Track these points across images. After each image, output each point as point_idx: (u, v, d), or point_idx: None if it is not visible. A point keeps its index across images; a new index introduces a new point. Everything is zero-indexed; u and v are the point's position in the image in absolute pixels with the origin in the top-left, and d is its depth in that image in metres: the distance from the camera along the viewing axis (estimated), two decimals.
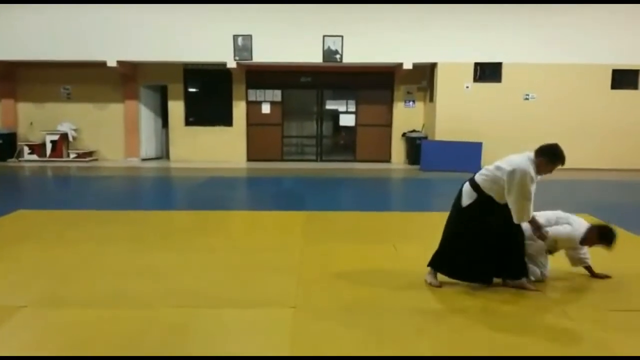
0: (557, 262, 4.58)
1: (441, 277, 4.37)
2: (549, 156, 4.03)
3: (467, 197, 4.20)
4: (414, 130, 13.99)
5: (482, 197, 4.14)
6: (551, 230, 4.29)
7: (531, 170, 3.97)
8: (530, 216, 4.05)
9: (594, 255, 4.58)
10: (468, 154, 12.33)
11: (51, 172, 12.41)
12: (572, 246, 4.43)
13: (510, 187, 3.97)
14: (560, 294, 4.27)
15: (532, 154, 4.08)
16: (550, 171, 4.10)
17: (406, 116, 14.21)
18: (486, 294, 4.19)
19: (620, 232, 6.29)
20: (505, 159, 4.14)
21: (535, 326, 3.62)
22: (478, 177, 4.21)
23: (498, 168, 4.09)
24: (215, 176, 11.44)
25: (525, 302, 4.05)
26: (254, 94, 14.25)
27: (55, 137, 13.63)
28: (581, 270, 4.66)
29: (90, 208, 7.55)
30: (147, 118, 14.35)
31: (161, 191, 10.38)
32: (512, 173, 3.95)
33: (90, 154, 13.98)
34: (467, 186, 4.24)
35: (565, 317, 3.77)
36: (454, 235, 4.28)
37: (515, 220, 4.05)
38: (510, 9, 12.56)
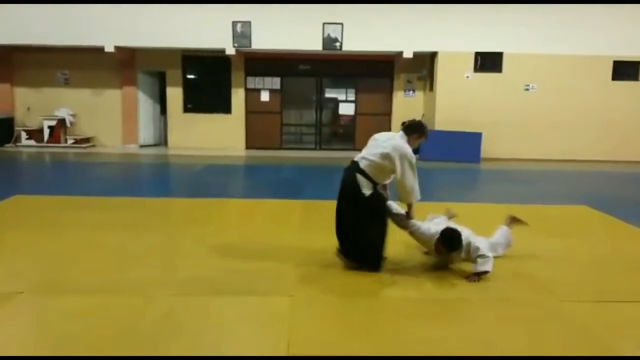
0: (553, 254, 4.58)
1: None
2: (421, 131, 4.39)
3: (366, 187, 4.27)
4: (413, 120, 13.92)
5: (376, 185, 4.28)
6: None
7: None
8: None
9: (589, 245, 4.56)
10: (468, 144, 12.30)
11: (49, 157, 12.35)
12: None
13: (404, 170, 4.16)
14: (552, 282, 4.26)
15: (402, 133, 4.33)
16: (418, 145, 4.41)
17: (406, 105, 14.15)
18: (472, 283, 4.20)
19: (619, 224, 6.34)
20: (384, 143, 4.28)
21: (524, 321, 3.64)
22: (364, 164, 4.28)
23: (383, 156, 4.18)
24: (214, 163, 11.40)
25: (510, 293, 4.06)
26: (253, 82, 14.16)
27: (53, 123, 13.55)
28: (573, 262, 4.66)
29: (88, 194, 7.52)
30: (145, 104, 14.29)
31: (159, 178, 10.35)
32: (403, 157, 4.14)
33: (87, 140, 13.91)
34: (359, 176, 4.28)
35: (555, 309, 3.78)
36: (365, 225, 4.36)
37: (409, 201, 4.30)
38: None
